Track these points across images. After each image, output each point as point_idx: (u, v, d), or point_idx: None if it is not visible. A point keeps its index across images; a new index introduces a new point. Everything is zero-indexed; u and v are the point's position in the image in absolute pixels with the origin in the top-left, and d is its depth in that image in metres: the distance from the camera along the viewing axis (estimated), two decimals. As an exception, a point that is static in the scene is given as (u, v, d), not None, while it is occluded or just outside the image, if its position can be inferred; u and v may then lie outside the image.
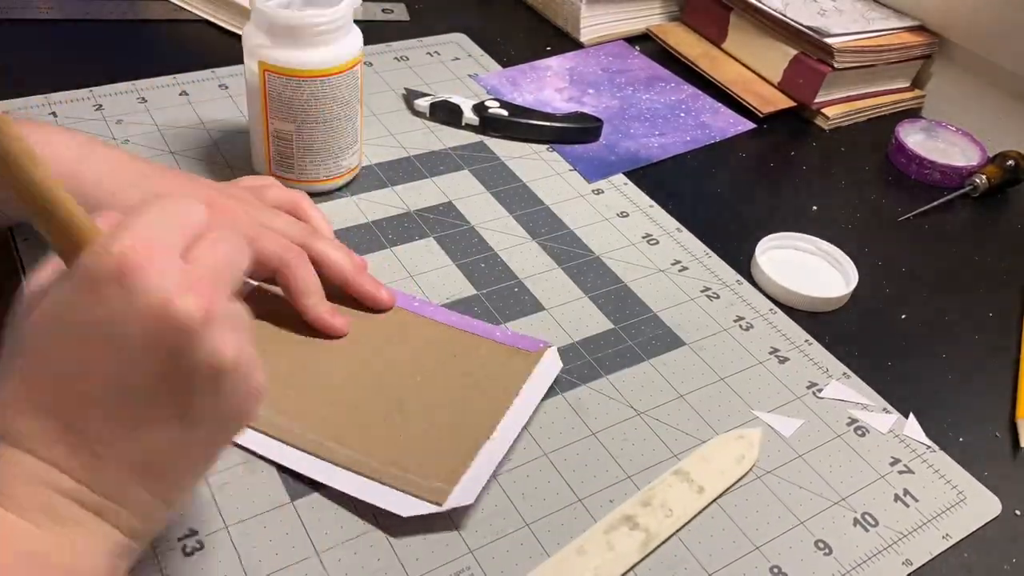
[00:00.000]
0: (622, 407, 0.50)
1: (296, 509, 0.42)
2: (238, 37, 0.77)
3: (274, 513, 0.42)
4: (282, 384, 0.47)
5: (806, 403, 0.52)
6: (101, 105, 0.67)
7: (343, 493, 0.43)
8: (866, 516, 0.46)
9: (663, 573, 0.42)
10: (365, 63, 0.68)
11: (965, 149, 0.75)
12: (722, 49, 0.85)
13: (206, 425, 0.33)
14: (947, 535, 0.45)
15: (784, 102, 0.79)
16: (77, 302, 0.30)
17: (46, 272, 0.33)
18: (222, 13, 0.78)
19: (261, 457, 0.44)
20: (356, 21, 0.59)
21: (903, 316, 0.59)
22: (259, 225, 0.50)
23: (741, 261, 0.61)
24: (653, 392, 0.51)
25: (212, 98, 0.69)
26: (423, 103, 0.71)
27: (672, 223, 0.64)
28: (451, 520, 0.43)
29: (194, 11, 0.79)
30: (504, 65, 0.80)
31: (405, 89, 0.74)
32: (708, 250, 0.62)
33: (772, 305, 0.58)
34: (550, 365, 0.50)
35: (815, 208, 0.68)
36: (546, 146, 0.70)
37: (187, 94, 0.69)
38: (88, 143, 0.50)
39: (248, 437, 0.45)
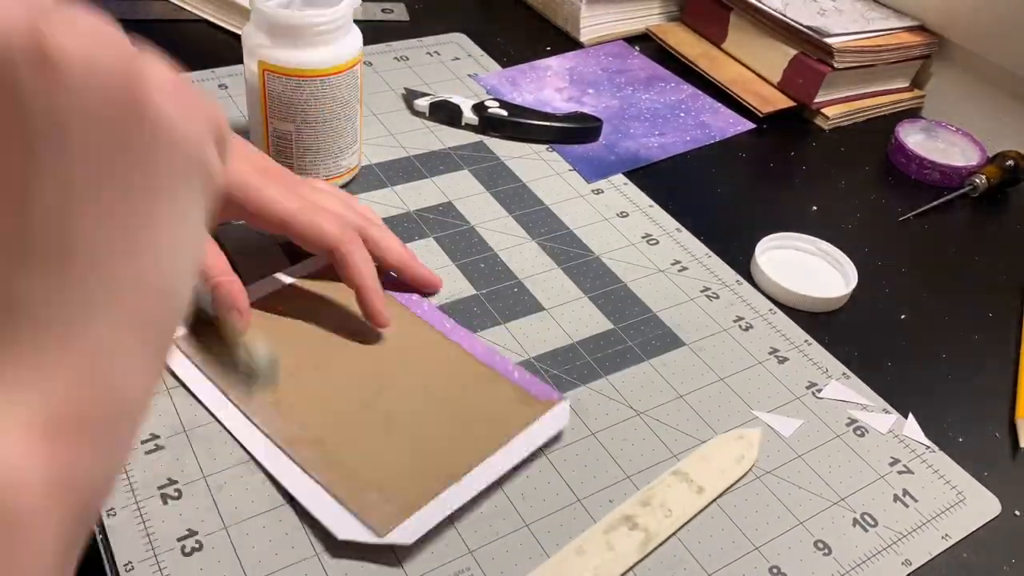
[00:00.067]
0: (622, 407, 0.50)
1: (296, 509, 0.42)
2: (238, 37, 0.77)
3: (274, 513, 0.42)
4: (286, 374, 0.47)
5: (805, 403, 0.52)
6: (101, 105, 0.66)
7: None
8: (865, 516, 0.46)
9: (662, 573, 0.42)
10: (365, 63, 0.68)
11: (965, 149, 0.75)
12: (722, 49, 0.85)
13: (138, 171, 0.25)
14: (946, 535, 0.45)
15: (784, 102, 0.79)
16: None
17: None
18: (222, 13, 0.78)
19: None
20: (356, 21, 0.59)
21: (903, 316, 0.59)
22: (317, 204, 0.50)
23: (741, 261, 0.61)
24: (653, 392, 0.51)
25: (212, 98, 0.69)
26: (423, 103, 0.71)
27: (672, 223, 0.64)
28: (450, 521, 0.43)
29: (194, 11, 0.79)
30: (504, 65, 0.80)
31: (405, 89, 0.74)
32: (708, 250, 0.62)
33: (772, 305, 0.58)
34: (557, 418, 0.47)
35: (815, 208, 0.68)
36: (546, 146, 0.70)
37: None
38: None
39: (235, 423, 0.45)
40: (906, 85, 0.84)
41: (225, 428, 0.45)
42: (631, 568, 0.42)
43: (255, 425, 0.45)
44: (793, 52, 0.78)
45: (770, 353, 0.55)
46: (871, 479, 0.48)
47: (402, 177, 0.65)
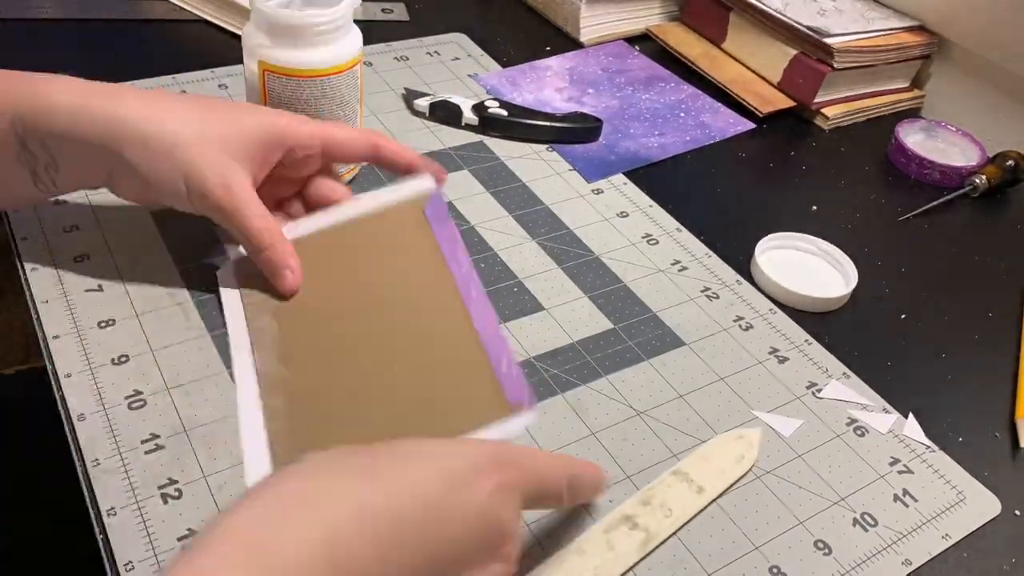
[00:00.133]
0: (622, 407, 0.50)
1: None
2: (237, 37, 0.77)
3: (274, 513, 0.42)
4: (298, 323, 0.49)
5: (805, 403, 0.52)
6: (101, 105, 0.66)
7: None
8: (865, 516, 0.46)
9: (663, 573, 0.42)
10: (364, 63, 0.68)
11: (965, 149, 0.76)
12: (722, 49, 0.85)
13: None
14: (947, 535, 0.46)
15: (784, 102, 0.79)
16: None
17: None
18: (221, 13, 0.78)
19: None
20: (356, 21, 0.59)
21: (903, 316, 0.59)
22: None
23: (741, 261, 0.61)
24: (653, 392, 0.51)
25: (212, 98, 0.69)
26: (423, 103, 0.71)
27: (672, 223, 0.64)
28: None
29: (193, 11, 0.79)
30: (504, 65, 0.80)
31: (405, 89, 0.74)
32: (708, 250, 0.62)
33: (772, 305, 0.58)
34: (512, 427, 0.44)
35: (815, 208, 0.68)
36: (546, 146, 0.70)
37: (187, 94, 0.69)
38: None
39: (241, 370, 0.47)
40: (906, 85, 0.84)
41: (230, 374, 0.47)
42: (631, 568, 0.42)
43: (257, 374, 0.47)
44: (793, 52, 0.78)
45: (770, 353, 0.55)
46: (871, 479, 0.48)
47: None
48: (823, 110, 0.78)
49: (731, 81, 0.81)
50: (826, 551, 0.44)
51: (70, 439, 0.44)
